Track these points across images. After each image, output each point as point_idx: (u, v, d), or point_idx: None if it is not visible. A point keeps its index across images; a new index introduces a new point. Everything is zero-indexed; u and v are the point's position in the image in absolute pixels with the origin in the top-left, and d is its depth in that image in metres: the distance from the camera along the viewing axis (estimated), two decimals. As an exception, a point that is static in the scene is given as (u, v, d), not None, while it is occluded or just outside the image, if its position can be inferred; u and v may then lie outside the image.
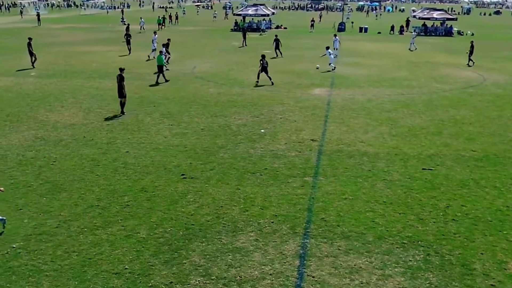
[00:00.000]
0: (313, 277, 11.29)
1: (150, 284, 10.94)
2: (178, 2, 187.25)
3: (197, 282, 11.02)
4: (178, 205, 15.00)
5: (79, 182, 16.69)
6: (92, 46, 53.24)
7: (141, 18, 78.44)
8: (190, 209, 14.70)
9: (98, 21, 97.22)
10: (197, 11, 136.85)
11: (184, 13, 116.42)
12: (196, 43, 59.45)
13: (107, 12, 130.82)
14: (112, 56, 46.50)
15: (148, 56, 45.16)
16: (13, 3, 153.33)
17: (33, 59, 39.97)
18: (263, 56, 34.31)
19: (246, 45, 56.07)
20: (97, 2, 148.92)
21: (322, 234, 13.31)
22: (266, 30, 78.08)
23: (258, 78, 34.17)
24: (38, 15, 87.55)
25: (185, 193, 15.84)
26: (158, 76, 33.94)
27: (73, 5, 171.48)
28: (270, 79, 33.81)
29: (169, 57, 40.38)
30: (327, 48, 40.51)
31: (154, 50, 44.45)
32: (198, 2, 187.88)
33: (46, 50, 49.84)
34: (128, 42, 48.76)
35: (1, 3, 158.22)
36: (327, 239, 13.04)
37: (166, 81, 33.90)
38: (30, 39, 40.19)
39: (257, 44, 56.01)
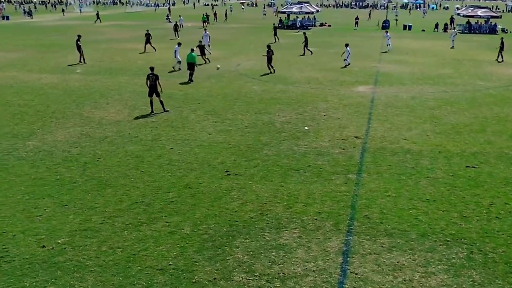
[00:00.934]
0: (356, 274, 11.24)
1: (194, 280, 11.04)
2: (223, 0, 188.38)
3: (241, 279, 11.08)
4: (222, 201, 15.11)
5: (124, 178, 16.96)
6: (137, 44, 53.83)
7: (180, 16, 79.12)
8: (234, 206, 14.79)
9: (144, 18, 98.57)
10: (242, 9, 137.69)
11: (231, 11, 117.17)
12: (241, 40, 59.71)
13: (155, 10, 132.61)
14: (156, 54, 47.06)
15: (210, 53, 46.13)
16: (59, 0, 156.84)
17: (81, 56, 41.08)
18: (269, 46, 37.18)
19: (278, 41, 56.96)
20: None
21: (365, 231, 13.25)
22: (310, 27, 77.68)
23: (269, 68, 36.89)
24: (97, 14, 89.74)
25: (229, 190, 15.94)
26: (191, 75, 33.81)
27: (118, 2, 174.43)
28: (272, 68, 36.86)
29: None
30: (346, 45, 40.40)
31: (208, 45, 46.45)
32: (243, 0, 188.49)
33: (91, 47, 50.83)
34: (148, 41, 48.88)
35: (48, 1, 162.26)
36: (370, 236, 12.98)
37: (191, 81, 33.53)
38: (79, 36, 41.30)
39: (296, 41, 55.77)
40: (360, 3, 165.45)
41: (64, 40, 56.02)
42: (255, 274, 11.24)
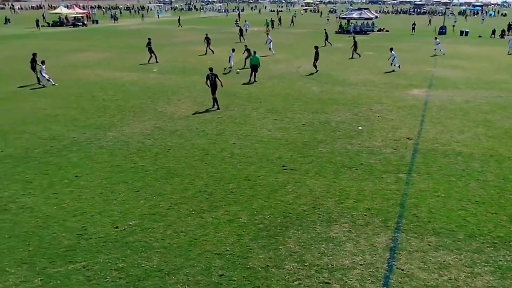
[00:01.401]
0: (402, 270, 10.90)
1: (248, 266, 11.00)
2: (287, 6, 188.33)
3: (292, 267, 10.95)
4: (277, 194, 14.98)
5: (190, 169, 17.09)
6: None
7: (245, 21, 79.13)
8: (288, 199, 14.64)
9: (216, 23, 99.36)
10: (302, 14, 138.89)
11: (295, 16, 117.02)
12: (303, 44, 59.04)
13: (227, 15, 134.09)
14: (225, 56, 47.21)
15: (273, 53, 48.00)
16: (141, 6, 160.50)
17: (153, 56, 42.13)
18: (316, 48, 37.56)
19: (331, 45, 56.46)
20: (215, 6, 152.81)
21: (413, 229, 12.81)
22: (368, 32, 76.51)
23: (315, 68, 37.70)
24: (179, 19, 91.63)
25: (284, 184, 15.79)
26: (255, 76, 33.58)
27: (193, 8, 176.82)
28: (316, 67, 37.62)
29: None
30: (391, 49, 39.26)
31: (270, 49, 48.31)
32: (306, 6, 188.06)
33: (166, 49, 51.67)
34: (208, 44, 49.55)
35: (131, 6, 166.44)
36: (417, 234, 12.54)
37: (254, 81, 33.36)
38: (149, 39, 42.56)
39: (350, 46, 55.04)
40: (418, 10, 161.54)
41: (143, 42, 56.92)
42: (305, 264, 11.08)
